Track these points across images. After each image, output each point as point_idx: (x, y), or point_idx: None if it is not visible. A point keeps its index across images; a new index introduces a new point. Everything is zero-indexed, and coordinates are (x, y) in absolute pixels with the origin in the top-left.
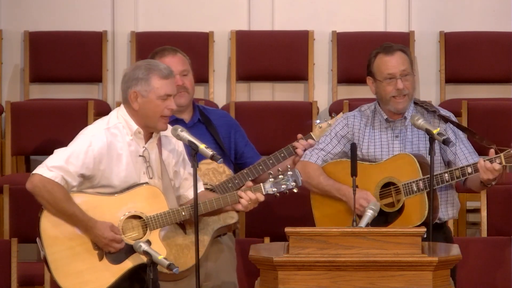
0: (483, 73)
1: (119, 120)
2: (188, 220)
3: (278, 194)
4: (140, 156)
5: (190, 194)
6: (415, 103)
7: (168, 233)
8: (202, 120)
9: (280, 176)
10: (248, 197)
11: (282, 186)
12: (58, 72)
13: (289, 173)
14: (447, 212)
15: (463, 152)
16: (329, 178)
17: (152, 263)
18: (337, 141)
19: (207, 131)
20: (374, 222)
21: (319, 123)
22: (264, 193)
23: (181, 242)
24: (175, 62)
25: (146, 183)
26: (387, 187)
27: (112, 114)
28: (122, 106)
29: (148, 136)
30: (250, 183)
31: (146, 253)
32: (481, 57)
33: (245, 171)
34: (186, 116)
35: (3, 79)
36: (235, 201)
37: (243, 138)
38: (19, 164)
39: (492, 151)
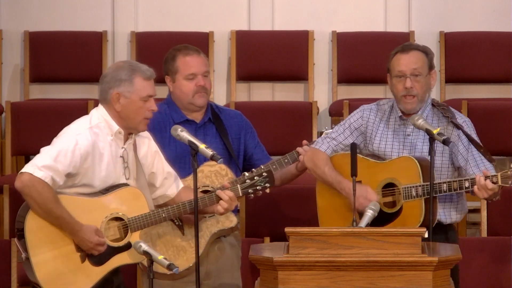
0: (483, 73)
1: (99, 120)
2: (187, 221)
3: (252, 195)
4: (120, 156)
5: (171, 193)
6: (433, 105)
7: (166, 234)
8: (213, 120)
9: (255, 178)
10: (227, 196)
11: (257, 187)
12: (58, 72)
13: (264, 174)
14: (450, 215)
15: (474, 159)
16: (334, 169)
17: (152, 263)
18: (350, 132)
19: (216, 132)
20: (372, 221)
21: (326, 129)
22: (241, 194)
23: (178, 244)
24: (200, 62)
25: (127, 184)
26: (388, 187)
27: (93, 113)
28: (100, 106)
29: (126, 137)
30: (227, 184)
31: (146, 253)
32: (481, 57)
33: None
34: (198, 116)
35: (3, 79)
36: (213, 203)
37: (253, 139)
38: (19, 164)
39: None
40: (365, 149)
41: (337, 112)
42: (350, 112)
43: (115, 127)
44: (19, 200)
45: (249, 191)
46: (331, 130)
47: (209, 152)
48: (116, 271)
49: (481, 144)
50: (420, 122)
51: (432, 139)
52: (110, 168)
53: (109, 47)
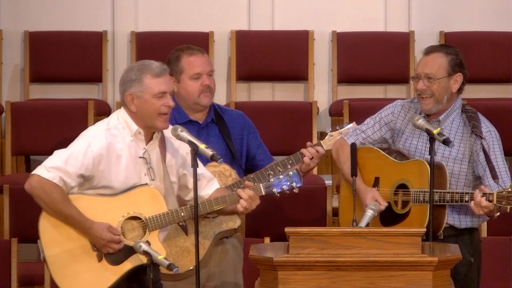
0: (483, 73)
1: (119, 121)
2: (190, 221)
3: (278, 194)
4: (140, 157)
5: (205, 194)
6: (462, 111)
7: (170, 234)
8: (216, 121)
9: (280, 176)
10: (247, 195)
11: (283, 187)
12: (58, 72)
13: (290, 173)
14: (465, 220)
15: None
16: None
17: (152, 263)
18: (379, 126)
19: (219, 132)
20: (381, 218)
21: (330, 131)
22: (263, 193)
23: (182, 244)
24: (204, 62)
25: (146, 184)
26: (402, 188)
27: (113, 115)
28: (122, 108)
29: (149, 137)
30: (249, 183)
31: (146, 253)
32: (481, 57)
33: (251, 175)
34: (201, 117)
35: (3, 79)
36: (234, 202)
37: (255, 140)
38: (19, 164)
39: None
40: (393, 145)
41: (337, 112)
42: (350, 112)
43: (134, 127)
44: (19, 200)
45: (274, 190)
46: (353, 125)
47: (209, 152)
48: (144, 269)
49: (492, 161)
50: (420, 122)
51: (432, 139)
52: (130, 169)
53: (109, 47)
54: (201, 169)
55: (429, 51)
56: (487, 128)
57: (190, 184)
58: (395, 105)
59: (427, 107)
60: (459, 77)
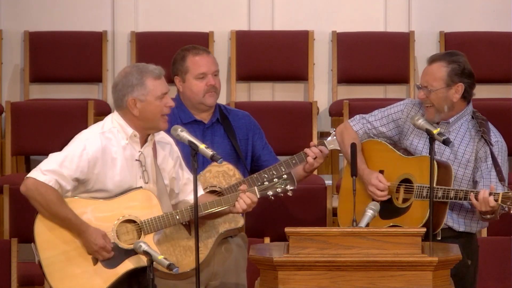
0: (483, 73)
1: (113, 124)
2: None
3: (272, 197)
4: (136, 160)
5: (190, 199)
6: (473, 117)
7: (173, 234)
8: (221, 121)
9: (275, 179)
10: (242, 199)
11: (277, 189)
12: (58, 72)
13: (284, 176)
14: (463, 223)
15: (490, 178)
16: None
17: (152, 263)
18: (387, 121)
19: (224, 132)
20: (381, 211)
21: (334, 131)
22: (258, 196)
23: (185, 244)
24: (210, 62)
25: (141, 187)
26: (406, 183)
27: (107, 119)
28: (115, 111)
29: (143, 140)
30: (244, 186)
31: (146, 253)
32: (481, 57)
33: (255, 175)
34: (206, 117)
35: (3, 79)
36: (229, 204)
37: (261, 140)
38: (19, 164)
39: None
40: (399, 142)
41: (337, 112)
42: (350, 112)
43: (129, 130)
44: (19, 200)
45: (268, 193)
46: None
47: (209, 152)
48: (140, 271)
49: (499, 168)
50: (420, 122)
51: (432, 139)
52: (125, 173)
53: (109, 47)
54: (188, 173)
55: (432, 60)
56: (496, 138)
57: (177, 188)
58: (406, 103)
59: (430, 117)
60: (459, 87)
